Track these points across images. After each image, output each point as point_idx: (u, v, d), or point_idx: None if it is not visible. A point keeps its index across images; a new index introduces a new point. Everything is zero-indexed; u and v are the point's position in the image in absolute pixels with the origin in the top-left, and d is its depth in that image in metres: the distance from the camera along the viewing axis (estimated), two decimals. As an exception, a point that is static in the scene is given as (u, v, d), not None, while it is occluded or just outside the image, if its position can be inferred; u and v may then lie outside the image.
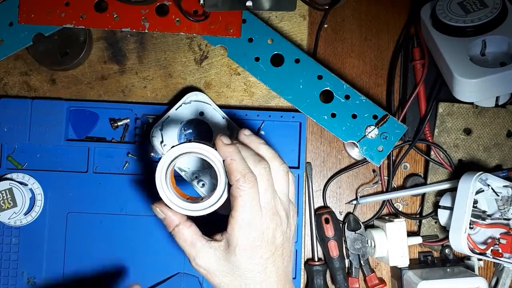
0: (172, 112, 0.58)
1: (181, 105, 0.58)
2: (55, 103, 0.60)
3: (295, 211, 0.49)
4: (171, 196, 0.46)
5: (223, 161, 0.45)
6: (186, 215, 0.47)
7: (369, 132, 0.58)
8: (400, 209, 0.64)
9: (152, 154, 0.60)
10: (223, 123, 0.58)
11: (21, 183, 0.58)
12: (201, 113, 0.59)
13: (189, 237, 0.46)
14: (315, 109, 0.58)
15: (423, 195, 0.63)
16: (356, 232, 0.62)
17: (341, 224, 0.63)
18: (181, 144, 0.46)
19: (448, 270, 0.60)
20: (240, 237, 0.44)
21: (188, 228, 0.47)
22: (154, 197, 0.59)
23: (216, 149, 0.46)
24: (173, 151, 0.46)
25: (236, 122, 0.60)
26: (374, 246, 0.60)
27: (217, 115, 0.59)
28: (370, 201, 0.63)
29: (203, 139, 0.58)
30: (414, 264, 0.63)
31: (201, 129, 0.60)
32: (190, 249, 0.46)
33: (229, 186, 0.45)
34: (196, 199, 0.48)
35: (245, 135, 0.48)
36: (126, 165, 0.60)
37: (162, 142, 0.58)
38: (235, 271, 0.45)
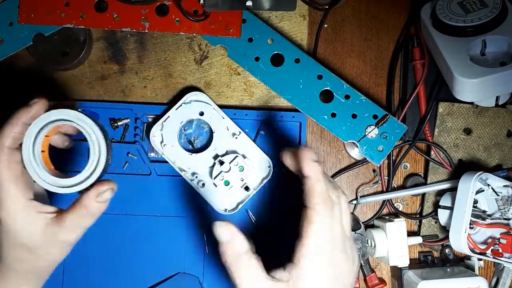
0: (172, 112, 0.58)
1: (181, 105, 0.58)
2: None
3: (355, 249, 0.46)
4: (43, 175, 0.43)
5: (305, 178, 0.42)
6: (246, 247, 0.41)
7: (369, 132, 0.58)
8: (400, 209, 0.64)
9: (152, 154, 0.60)
10: (223, 123, 0.58)
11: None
12: (201, 113, 0.59)
13: (252, 273, 0.40)
14: (315, 109, 0.58)
15: (423, 195, 0.63)
16: (356, 232, 0.61)
17: (341, 224, 0.62)
18: (47, 112, 0.43)
19: (448, 270, 0.60)
20: (310, 267, 0.40)
21: (248, 262, 0.40)
22: (153, 197, 0.59)
23: (88, 117, 0.43)
24: (42, 118, 0.43)
25: (236, 122, 0.60)
26: (374, 246, 0.60)
27: (217, 115, 0.59)
28: (370, 201, 0.63)
29: (204, 140, 0.59)
30: (414, 264, 0.63)
31: (201, 129, 0.60)
32: (246, 285, 0.40)
33: (303, 207, 0.42)
34: (66, 176, 0.44)
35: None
36: (126, 165, 0.60)
37: (162, 142, 0.58)
38: None
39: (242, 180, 0.58)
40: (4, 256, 0.44)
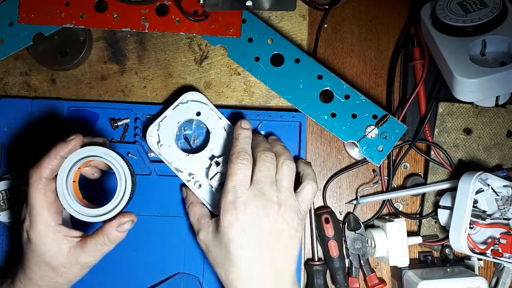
0: (169, 112, 0.58)
1: (178, 105, 0.58)
2: (55, 103, 0.60)
3: (295, 211, 0.51)
4: (74, 204, 0.48)
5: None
6: (195, 198, 0.56)
7: (369, 132, 0.58)
8: (400, 209, 0.64)
9: (152, 154, 0.60)
10: (220, 123, 0.58)
11: (21, 183, 0.58)
12: (198, 113, 0.58)
13: (198, 214, 0.54)
14: (315, 109, 0.58)
15: (423, 195, 0.63)
16: (356, 232, 0.62)
17: (341, 224, 0.63)
18: (81, 148, 0.49)
19: (448, 270, 0.60)
20: (222, 203, 0.49)
21: (199, 207, 0.55)
22: (153, 197, 0.59)
23: (119, 155, 0.49)
24: (78, 153, 0.48)
25: (235, 122, 0.60)
26: (374, 246, 0.60)
27: (214, 116, 0.58)
28: (370, 201, 0.63)
29: (201, 140, 0.59)
30: (414, 264, 0.63)
31: (201, 129, 0.60)
32: (196, 224, 0.54)
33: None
34: (92, 206, 0.49)
35: (272, 137, 0.58)
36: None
37: (159, 142, 0.57)
38: (221, 244, 0.49)
39: None
40: (29, 270, 0.49)
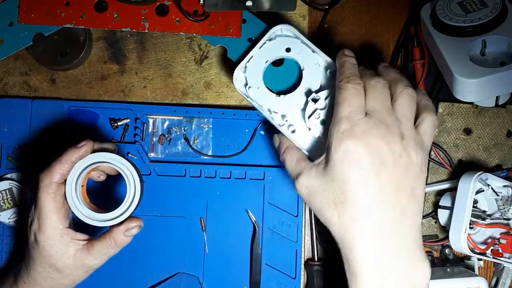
0: (256, 51, 0.53)
1: (265, 43, 0.53)
2: (55, 103, 0.60)
3: (418, 145, 0.44)
4: (82, 209, 0.49)
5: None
6: (291, 143, 0.50)
7: (369, 132, 0.57)
8: (400, 209, 0.63)
9: (152, 154, 0.60)
10: (313, 58, 0.53)
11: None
12: (288, 49, 0.53)
13: (296, 157, 0.48)
14: (315, 109, 0.58)
15: (423, 195, 0.63)
16: (356, 232, 0.61)
17: (341, 224, 0.62)
18: (92, 154, 0.50)
19: (448, 270, 0.60)
20: (334, 133, 0.43)
21: (297, 151, 0.49)
22: (153, 197, 0.59)
23: (128, 161, 0.50)
24: (88, 159, 0.49)
25: (235, 122, 0.60)
26: (374, 246, 0.60)
27: (307, 50, 0.52)
28: (370, 201, 0.63)
29: (204, 140, 0.58)
30: (414, 264, 0.63)
31: (201, 129, 0.60)
32: (295, 167, 0.47)
33: None
34: (100, 211, 0.50)
35: (382, 65, 0.50)
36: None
37: (246, 84, 0.53)
38: (333, 182, 0.42)
39: None
40: (33, 271, 0.49)
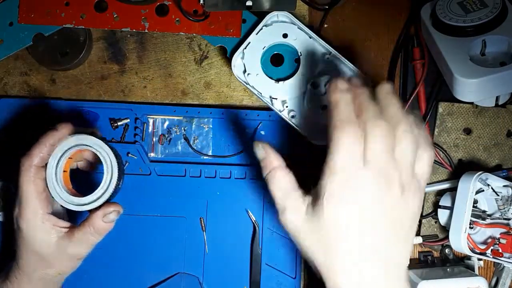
0: (253, 37, 0.54)
1: (261, 28, 0.53)
2: (55, 103, 0.60)
3: (418, 190, 0.41)
4: (62, 193, 0.48)
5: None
6: (280, 163, 0.43)
7: (369, 132, 0.57)
8: (400, 209, 0.63)
9: (152, 154, 0.60)
10: (310, 44, 0.53)
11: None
12: (285, 35, 0.53)
13: (284, 184, 0.42)
14: (315, 109, 0.58)
15: (423, 195, 0.63)
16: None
17: (341, 224, 0.62)
18: (69, 137, 0.49)
19: (448, 270, 0.60)
20: (328, 183, 0.38)
21: (284, 176, 0.42)
22: (153, 197, 0.59)
23: (107, 145, 0.49)
24: (66, 142, 0.49)
25: (235, 122, 0.60)
26: (374, 246, 0.60)
27: (303, 36, 0.53)
28: (370, 201, 0.63)
29: (204, 140, 0.58)
30: (414, 264, 0.63)
31: (201, 129, 0.60)
32: (282, 198, 0.41)
33: None
34: (80, 195, 0.49)
35: (382, 91, 0.42)
36: (126, 165, 0.60)
37: (245, 71, 0.54)
38: (322, 232, 0.39)
39: None
40: (21, 261, 0.49)
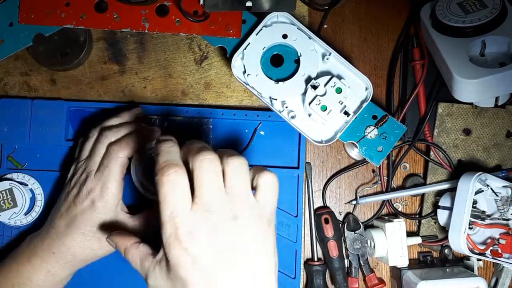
0: (253, 38, 0.54)
1: (261, 29, 0.53)
2: (55, 103, 0.60)
3: (256, 217, 0.40)
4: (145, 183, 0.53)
5: None
6: (132, 241, 0.45)
7: (368, 133, 0.58)
8: (399, 209, 0.64)
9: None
10: (310, 44, 0.53)
11: (21, 183, 0.58)
12: (285, 36, 0.54)
13: (138, 257, 0.43)
14: (315, 109, 0.58)
15: (422, 195, 0.63)
16: (355, 232, 0.62)
17: (340, 224, 0.63)
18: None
19: (447, 270, 0.60)
20: (166, 242, 0.38)
21: (135, 249, 0.44)
22: (150, 200, 0.59)
23: None
24: (149, 144, 0.53)
25: (235, 122, 0.60)
26: (374, 246, 0.60)
27: (303, 36, 0.53)
28: (370, 201, 0.63)
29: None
30: (414, 264, 0.63)
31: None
32: (141, 268, 0.43)
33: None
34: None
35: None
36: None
37: (245, 72, 0.54)
38: (176, 283, 0.39)
39: (341, 103, 0.52)
40: (70, 240, 0.51)
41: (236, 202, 0.40)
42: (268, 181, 0.42)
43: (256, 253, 0.40)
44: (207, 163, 0.39)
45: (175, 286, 0.39)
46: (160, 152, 0.41)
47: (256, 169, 0.42)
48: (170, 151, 0.41)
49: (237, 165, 0.40)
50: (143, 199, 0.56)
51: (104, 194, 0.50)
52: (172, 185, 0.38)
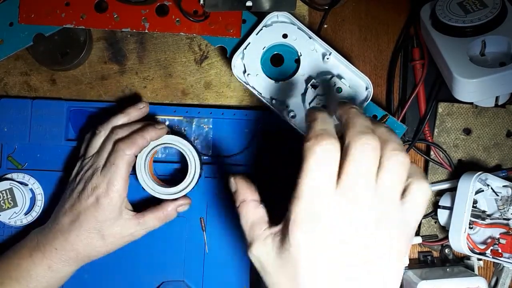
0: (253, 37, 0.54)
1: (261, 29, 0.54)
2: (55, 103, 0.60)
3: (399, 231, 0.34)
4: (148, 181, 0.55)
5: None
6: (254, 197, 0.41)
7: (369, 132, 0.58)
8: (399, 209, 0.64)
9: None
10: (310, 44, 0.53)
11: (21, 183, 0.58)
12: (285, 35, 0.54)
13: (251, 218, 0.39)
14: (315, 109, 0.58)
15: (422, 195, 0.63)
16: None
17: (341, 224, 0.62)
18: (165, 136, 0.55)
19: (447, 270, 0.60)
20: (293, 209, 0.34)
21: (253, 208, 0.40)
22: (153, 196, 0.59)
23: (192, 145, 0.55)
24: (162, 140, 0.55)
25: (235, 122, 0.60)
26: (374, 246, 0.60)
27: (303, 36, 0.53)
28: (370, 201, 0.63)
29: (205, 141, 0.58)
30: (414, 264, 0.63)
31: (201, 129, 0.60)
32: (248, 233, 0.39)
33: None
34: (163, 185, 0.56)
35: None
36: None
37: (245, 72, 0.54)
38: (287, 268, 0.35)
39: None
40: (74, 237, 0.51)
41: (384, 203, 0.34)
42: (423, 192, 0.35)
43: (386, 268, 0.34)
44: (369, 150, 0.34)
45: (284, 267, 0.35)
46: (317, 118, 0.36)
47: (413, 170, 0.36)
48: (327, 121, 0.36)
49: (399, 164, 0.34)
50: (148, 197, 0.56)
51: (109, 191, 0.51)
52: (324, 157, 0.33)
